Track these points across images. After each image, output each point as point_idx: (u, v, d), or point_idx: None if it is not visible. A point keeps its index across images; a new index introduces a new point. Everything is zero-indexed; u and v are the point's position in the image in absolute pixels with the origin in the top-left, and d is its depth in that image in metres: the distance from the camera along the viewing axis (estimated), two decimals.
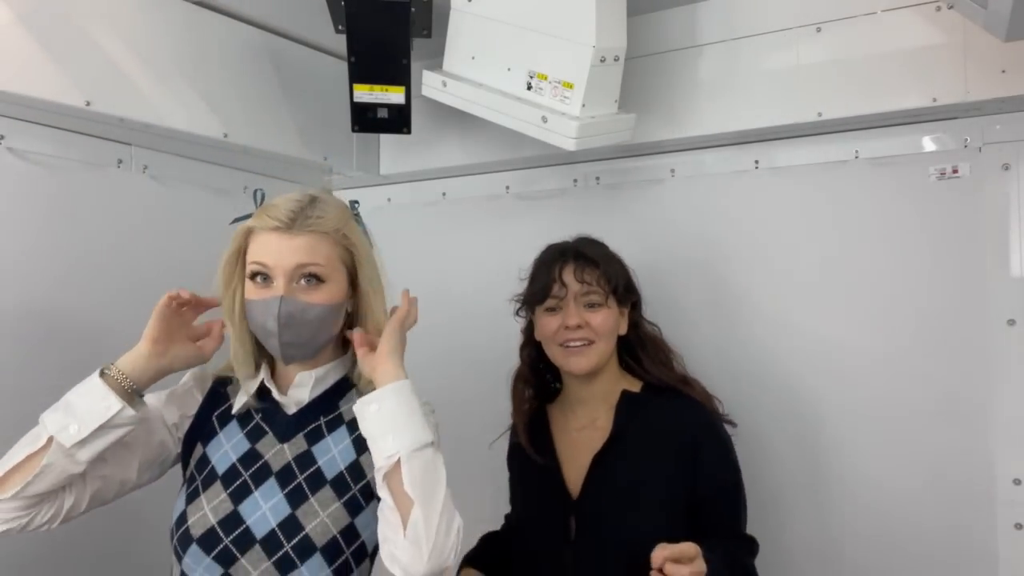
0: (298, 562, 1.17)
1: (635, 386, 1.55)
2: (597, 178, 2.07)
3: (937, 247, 1.68)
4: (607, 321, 1.48)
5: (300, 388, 1.29)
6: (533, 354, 1.61)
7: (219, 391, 1.34)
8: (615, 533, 1.41)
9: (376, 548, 1.20)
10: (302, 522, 1.18)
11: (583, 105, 1.61)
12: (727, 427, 1.54)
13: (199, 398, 1.33)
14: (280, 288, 1.19)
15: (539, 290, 1.50)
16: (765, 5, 1.78)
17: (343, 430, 1.27)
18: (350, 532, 1.21)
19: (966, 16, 1.54)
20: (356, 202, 1.39)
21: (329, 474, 1.23)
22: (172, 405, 1.31)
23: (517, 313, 1.64)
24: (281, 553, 1.17)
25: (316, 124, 2.07)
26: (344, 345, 1.33)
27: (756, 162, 1.88)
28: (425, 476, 1.11)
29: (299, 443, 1.25)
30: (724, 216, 1.90)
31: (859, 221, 1.75)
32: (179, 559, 1.21)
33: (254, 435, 1.27)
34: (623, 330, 1.53)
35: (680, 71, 1.86)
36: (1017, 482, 1.60)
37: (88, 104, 1.60)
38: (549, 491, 1.51)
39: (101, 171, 1.79)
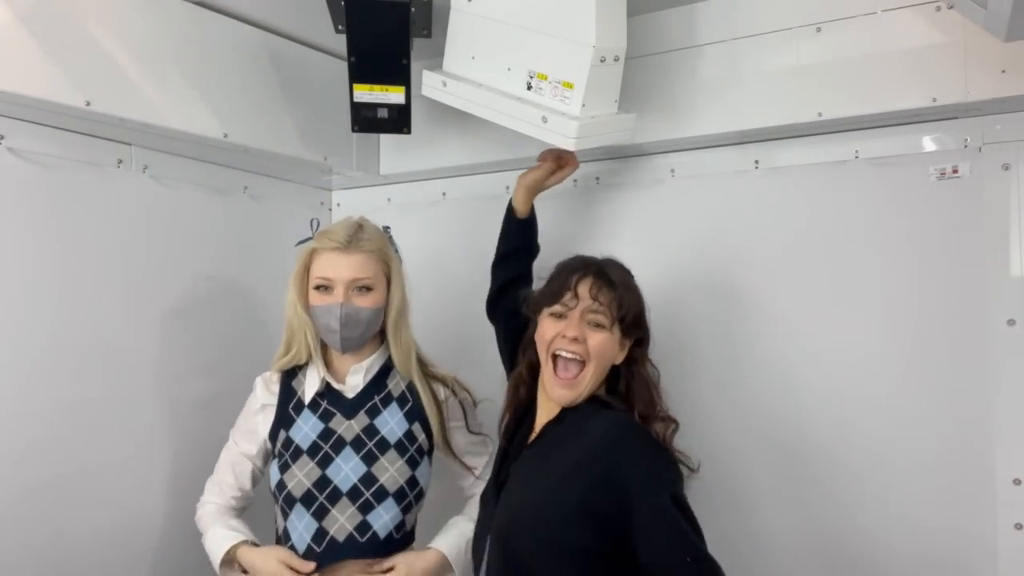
0: (375, 504, 1.57)
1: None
2: (597, 178, 2.07)
3: (937, 247, 1.68)
4: (604, 345, 1.44)
5: (355, 376, 1.66)
6: (533, 359, 1.57)
7: (288, 386, 1.68)
8: (507, 544, 1.37)
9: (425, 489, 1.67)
10: (376, 476, 1.58)
11: (583, 105, 1.61)
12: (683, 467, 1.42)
13: (273, 400, 1.68)
14: (340, 296, 1.58)
15: (551, 293, 1.48)
16: (765, 5, 1.78)
17: (394, 405, 1.66)
18: (412, 481, 1.61)
19: (966, 16, 1.54)
20: (388, 227, 1.75)
21: (391, 440, 1.61)
22: (250, 443, 1.70)
23: (520, 308, 1.61)
24: (362, 499, 1.56)
25: (316, 124, 2.07)
26: (381, 336, 1.69)
27: (756, 162, 1.88)
28: None
29: (362, 419, 1.63)
30: (724, 216, 1.90)
31: (859, 221, 1.75)
32: (285, 516, 1.60)
33: (325, 417, 1.63)
34: (618, 360, 1.49)
35: (680, 71, 1.86)
36: (1017, 482, 1.60)
37: (88, 104, 1.60)
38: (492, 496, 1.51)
39: (101, 171, 1.79)
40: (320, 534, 1.56)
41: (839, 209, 1.78)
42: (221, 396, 2.00)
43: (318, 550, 1.55)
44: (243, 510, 1.72)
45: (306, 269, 1.64)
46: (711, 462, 1.83)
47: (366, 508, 1.56)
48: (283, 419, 1.65)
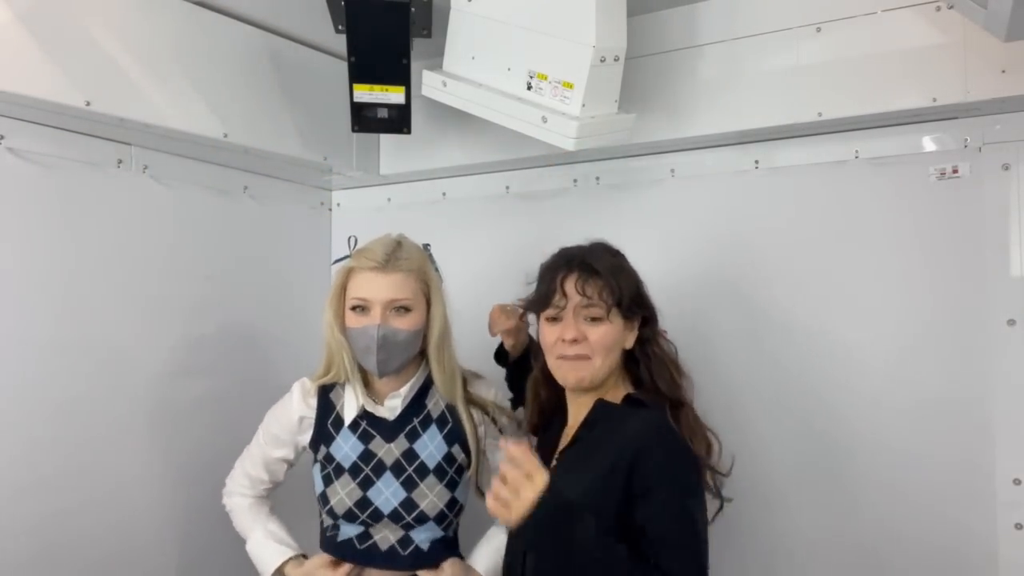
0: (416, 525, 1.57)
1: (620, 398, 1.46)
2: (597, 178, 2.07)
3: (937, 247, 1.68)
4: (606, 337, 1.41)
5: (393, 400, 1.61)
6: (543, 360, 1.53)
7: (327, 400, 1.64)
8: (549, 546, 1.28)
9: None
10: (417, 502, 1.56)
11: (583, 105, 1.61)
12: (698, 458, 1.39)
13: (312, 414, 1.64)
14: (377, 317, 1.52)
15: (540, 298, 1.46)
16: (765, 5, 1.78)
17: (433, 428, 1.61)
18: (452, 502, 1.60)
19: (966, 16, 1.54)
20: (428, 245, 1.68)
21: (430, 464, 1.59)
22: (285, 448, 1.67)
23: (521, 318, 1.64)
24: (404, 522, 1.56)
25: (316, 124, 2.07)
26: (421, 357, 1.63)
27: (756, 162, 1.88)
28: None
29: (402, 442, 1.59)
30: (724, 216, 1.90)
31: (859, 221, 1.75)
32: (333, 517, 1.59)
33: (365, 438, 1.60)
34: (629, 344, 1.46)
35: (680, 71, 1.86)
36: (1017, 482, 1.60)
37: (88, 104, 1.60)
38: None
39: (101, 171, 1.79)
40: (364, 536, 1.58)
41: (839, 209, 1.78)
42: (221, 396, 2.00)
43: (360, 547, 1.58)
44: (271, 495, 1.74)
45: (343, 289, 1.57)
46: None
47: (408, 527, 1.57)
48: (322, 434, 1.63)
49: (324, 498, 1.59)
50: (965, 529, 1.63)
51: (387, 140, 2.27)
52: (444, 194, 2.28)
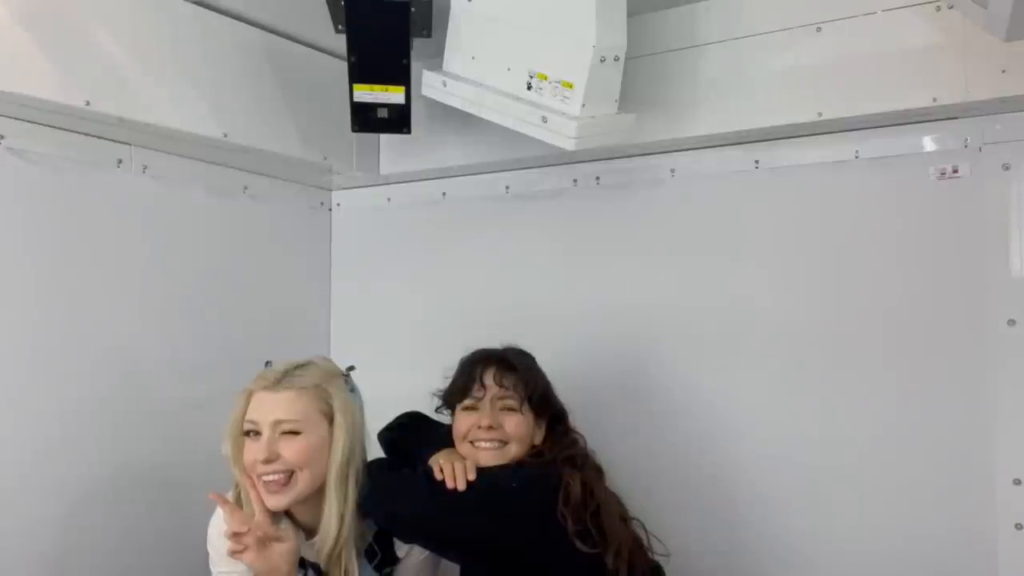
0: None
1: None
2: (597, 178, 2.07)
3: (937, 247, 1.68)
4: (520, 426, 1.53)
5: (309, 551, 1.46)
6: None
7: None
8: None
9: None
10: None
11: (583, 105, 1.61)
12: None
13: None
14: (264, 441, 1.40)
15: (460, 388, 1.57)
16: (765, 5, 1.78)
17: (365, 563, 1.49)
18: None
19: (966, 16, 1.54)
20: (352, 367, 1.57)
21: None
22: None
23: (437, 411, 1.67)
24: None
25: (316, 124, 2.07)
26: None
27: (756, 162, 1.88)
28: None
29: None
30: (724, 216, 1.90)
31: (859, 221, 1.75)
32: None
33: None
34: (538, 440, 1.57)
35: (680, 71, 1.86)
36: (1017, 482, 1.60)
37: (88, 104, 1.60)
38: None
39: (101, 171, 1.79)
40: None
41: (839, 209, 1.78)
42: (221, 396, 1.99)
43: None
44: None
45: (243, 415, 1.46)
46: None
47: None
48: None
49: None
50: (965, 529, 1.63)
51: (387, 140, 2.27)
52: (444, 194, 2.28)
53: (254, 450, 1.41)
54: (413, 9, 1.77)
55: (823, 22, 1.71)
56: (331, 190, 2.42)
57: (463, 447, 1.54)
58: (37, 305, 1.67)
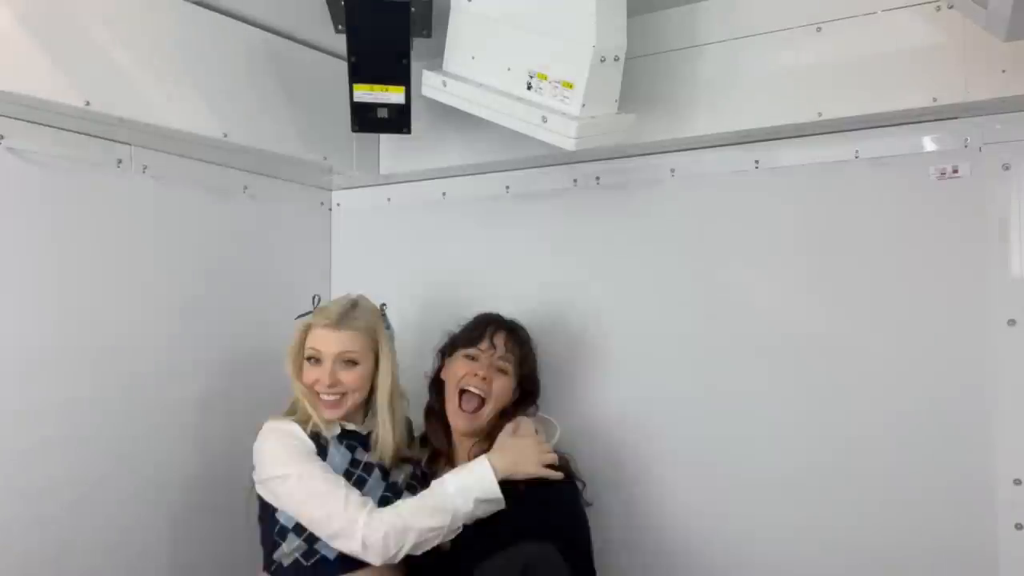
0: None
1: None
2: (597, 178, 2.07)
3: (937, 247, 1.68)
4: (505, 388, 1.77)
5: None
6: (435, 404, 1.85)
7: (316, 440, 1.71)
8: None
9: None
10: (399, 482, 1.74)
11: (583, 105, 1.61)
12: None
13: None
14: (327, 367, 1.68)
15: (471, 338, 1.80)
16: (765, 5, 1.78)
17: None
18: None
19: (966, 16, 1.54)
20: (384, 304, 1.83)
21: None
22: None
23: (440, 352, 1.87)
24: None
25: (316, 124, 2.07)
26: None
27: (756, 162, 1.88)
28: None
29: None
30: (724, 216, 1.90)
31: (859, 221, 1.75)
32: (311, 541, 1.61)
33: (351, 448, 1.71)
34: (515, 397, 1.80)
35: (680, 71, 1.86)
36: (1017, 482, 1.60)
37: (88, 104, 1.60)
38: None
39: (101, 171, 1.79)
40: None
41: (839, 209, 1.78)
42: (221, 396, 2.00)
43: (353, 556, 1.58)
44: None
45: (302, 342, 1.74)
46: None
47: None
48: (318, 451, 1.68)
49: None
50: (965, 529, 1.63)
51: (387, 140, 2.27)
52: (444, 194, 2.28)
53: (316, 373, 1.69)
54: (413, 9, 1.77)
55: (823, 22, 1.71)
56: (331, 190, 2.42)
57: (451, 399, 1.76)
58: (37, 305, 1.67)
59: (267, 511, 1.65)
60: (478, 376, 1.73)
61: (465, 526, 1.58)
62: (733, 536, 1.86)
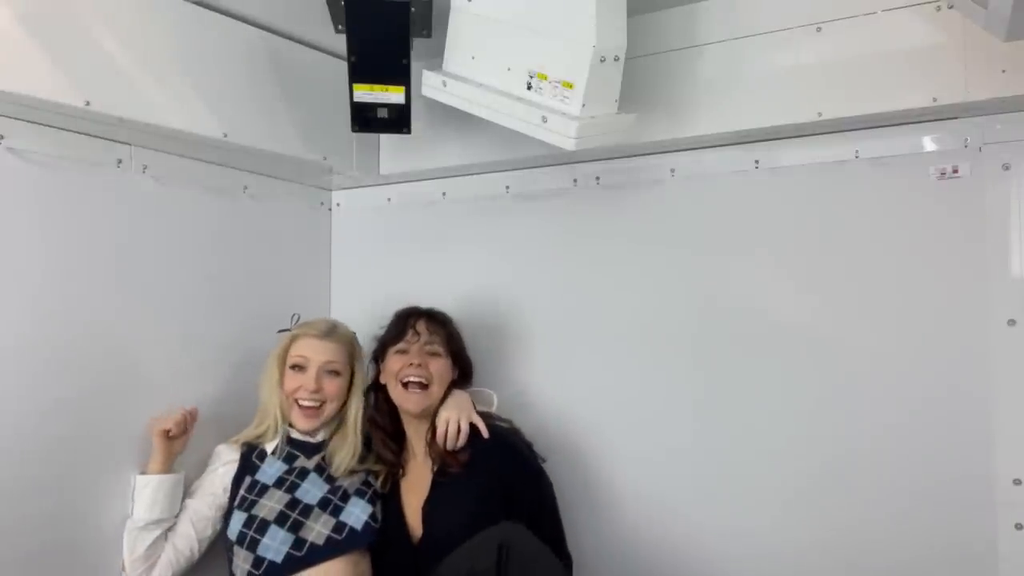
0: (344, 505, 1.77)
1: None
2: (597, 178, 2.07)
3: (937, 247, 1.68)
4: (443, 368, 1.84)
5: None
6: (383, 404, 1.91)
7: (250, 453, 1.84)
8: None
9: None
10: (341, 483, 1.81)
11: (583, 105, 1.61)
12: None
13: (233, 468, 1.83)
14: (312, 375, 1.82)
15: (396, 333, 1.87)
16: (765, 5, 1.78)
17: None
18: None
19: (966, 16, 1.54)
20: (353, 333, 1.96)
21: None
22: (205, 495, 1.83)
23: (373, 359, 1.94)
24: (332, 505, 1.75)
25: (316, 124, 2.07)
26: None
27: (756, 162, 1.88)
28: None
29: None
30: (724, 216, 1.90)
31: (859, 221, 1.76)
32: (254, 546, 1.69)
33: (289, 459, 1.83)
34: (454, 376, 1.88)
35: (680, 71, 1.86)
36: (1017, 482, 1.60)
37: (88, 104, 1.60)
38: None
39: (101, 171, 1.79)
40: (299, 542, 1.70)
41: (839, 209, 1.78)
42: (220, 396, 2.00)
43: (299, 554, 1.68)
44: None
45: (285, 352, 1.86)
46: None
47: (336, 511, 1.74)
48: (247, 467, 1.81)
49: (250, 521, 1.72)
50: (965, 529, 1.63)
51: (387, 140, 2.27)
52: (444, 194, 2.28)
53: (300, 380, 1.81)
54: (413, 9, 1.77)
55: (823, 22, 1.71)
56: (331, 190, 2.42)
57: (395, 389, 1.82)
58: (37, 304, 1.67)
59: (223, 530, 1.78)
60: (413, 365, 1.81)
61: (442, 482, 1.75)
62: (733, 536, 1.86)
